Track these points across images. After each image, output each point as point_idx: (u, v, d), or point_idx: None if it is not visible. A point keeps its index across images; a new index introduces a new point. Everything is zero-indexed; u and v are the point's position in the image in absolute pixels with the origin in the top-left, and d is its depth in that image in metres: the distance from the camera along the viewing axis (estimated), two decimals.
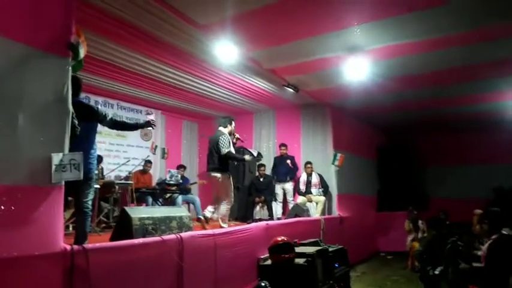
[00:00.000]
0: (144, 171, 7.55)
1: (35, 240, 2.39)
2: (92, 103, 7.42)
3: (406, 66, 6.05)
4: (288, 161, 8.05)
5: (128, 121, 4.10)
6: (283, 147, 8.20)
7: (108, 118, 3.71)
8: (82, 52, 3.01)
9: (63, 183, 2.66)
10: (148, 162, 7.60)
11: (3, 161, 2.35)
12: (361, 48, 5.31)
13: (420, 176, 10.88)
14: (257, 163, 8.37)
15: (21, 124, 2.46)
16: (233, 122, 5.69)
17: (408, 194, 9.84)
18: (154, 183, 7.75)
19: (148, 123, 4.12)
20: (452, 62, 5.85)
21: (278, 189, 8.00)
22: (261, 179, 7.89)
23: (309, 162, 7.91)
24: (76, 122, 3.15)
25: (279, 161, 8.18)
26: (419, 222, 7.88)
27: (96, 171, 6.38)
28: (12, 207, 2.32)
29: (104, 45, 5.02)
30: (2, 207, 2.26)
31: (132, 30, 4.64)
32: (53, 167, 2.55)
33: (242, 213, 7.85)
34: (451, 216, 7.45)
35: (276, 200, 7.94)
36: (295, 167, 8.12)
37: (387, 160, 10.55)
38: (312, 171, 7.83)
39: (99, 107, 3.70)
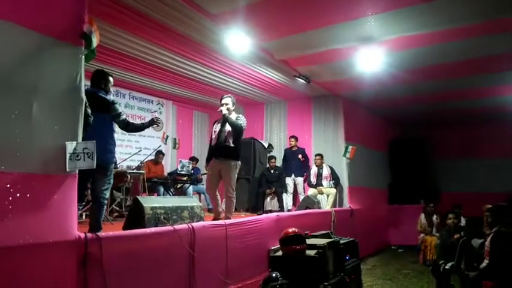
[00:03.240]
0: (157, 162, 7.59)
1: (50, 228, 2.42)
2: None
3: (421, 58, 5.93)
4: (300, 156, 8.00)
5: (136, 123, 4.12)
6: (292, 139, 8.12)
7: (121, 118, 3.70)
8: (95, 41, 3.00)
9: (76, 171, 2.68)
10: (160, 153, 7.65)
11: (19, 149, 2.37)
12: (374, 39, 5.23)
13: (432, 169, 10.75)
14: (268, 154, 8.36)
15: (35, 112, 2.47)
16: (220, 102, 5.11)
17: (420, 188, 9.77)
18: (165, 173, 7.81)
19: (152, 121, 4.07)
20: (468, 53, 5.73)
21: (289, 181, 7.98)
22: (272, 171, 7.88)
23: (318, 154, 7.85)
24: (89, 111, 3.16)
25: (290, 155, 8.12)
26: (434, 217, 7.77)
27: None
28: (28, 195, 2.34)
29: (116, 35, 5.02)
30: (18, 195, 2.29)
31: (144, 20, 4.63)
32: (67, 156, 2.57)
33: (252, 204, 7.86)
34: (465, 210, 7.35)
35: (286, 191, 7.94)
36: (306, 160, 8.08)
37: (399, 153, 10.44)
38: (321, 163, 7.78)
39: (117, 105, 3.70)
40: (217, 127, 5.04)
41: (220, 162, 4.93)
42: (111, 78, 3.84)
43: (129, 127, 3.89)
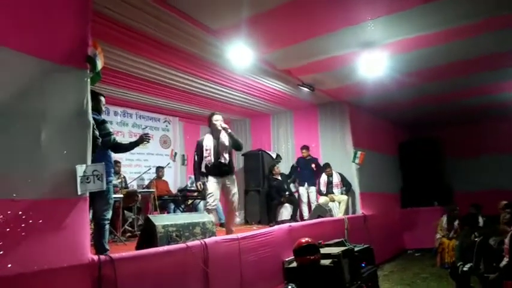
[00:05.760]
0: (159, 178, 7.60)
1: (63, 253, 2.42)
2: (111, 113, 7.57)
3: (424, 59, 5.91)
4: (313, 165, 7.97)
5: (124, 143, 4.12)
6: (304, 150, 8.07)
7: (109, 137, 3.69)
8: (99, 64, 3.04)
9: (87, 194, 2.69)
10: (160, 168, 7.66)
11: (29, 175, 2.39)
12: (376, 43, 5.23)
13: (444, 169, 10.62)
14: (276, 165, 8.33)
15: (44, 138, 2.50)
16: (211, 118, 5.15)
17: (432, 189, 9.63)
18: (172, 189, 7.82)
19: (141, 139, 4.05)
20: (473, 51, 5.70)
21: (303, 190, 7.96)
22: (280, 178, 7.89)
23: (328, 166, 7.78)
24: (97, 133, 3.18)
25: (304, 164, 8.07)
26: (456, 221, 7.59)
27: (119, 180, 6.50)
28: (40, 221, 2.35)
29: (120, 56, 5.09)
30: (30, 221, 2.30)
31: (147, 39, 4.69)
32: (78, 179, 2.59)
33: (264, 216, 7.83)
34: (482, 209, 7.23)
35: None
36: (320, 169, 8.01)
37: (409, 155, 10.35)
38: (331, 171, 7.73)
39: (107, 124, 3.72)
40: (211, 144, 4.99)
41: (225, 179, 4.97)
42: (102, 98, 3.85)
43: (117, 147, 3.89)
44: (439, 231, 7.62)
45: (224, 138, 5.03)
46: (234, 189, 5.04)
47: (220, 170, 4.96)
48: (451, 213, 7.64)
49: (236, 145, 5.12)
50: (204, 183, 5.09)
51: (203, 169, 5.07)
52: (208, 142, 5.02)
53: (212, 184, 4.94)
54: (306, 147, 8.12)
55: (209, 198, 4.94)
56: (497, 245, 4.65)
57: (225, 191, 5.02)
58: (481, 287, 4.61)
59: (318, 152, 8.45)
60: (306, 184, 7.99)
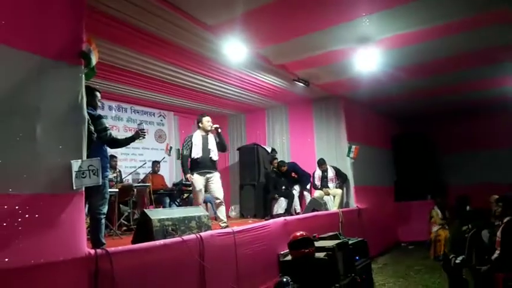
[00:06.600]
0: (155, 172, 7.61)
1: (60, 246, 2.44)
2: (106, 108, 7.54)
3: (417, 54, 5.94)
4: (293, 174, 7.85)
5: (120, 138, 4.10)
6: (283, 167, 7.81)
7: (105, 133, 3.68)
8: (94, 59, 3.04)
9: (83, 189, 2.71)
10: (156, 163, 7.67)
11: (25, 170, 2.40)
12: (371, 38, 5.25)
13: (437, 163, 10.69)
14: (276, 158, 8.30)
15: (39, 133, 2.50)
16: (202, 119, 5.42)
17: (426, 183, 9.72)
18: (167, 183, 7.82)
19: (137, 134, 4.04)
20: (466, 46, 5.73)
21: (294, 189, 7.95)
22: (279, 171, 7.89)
23: (323, 162, 7.74)
24: (92, 128, 3.19)
25: (285, 175, 7.87)
26: (446, 212, 7.71)
27: (115, 175, 6.50)
28: (36, 215, 2.37)
29: (115, 51, 5.08)
30: (27, 216, 2.32)
31: (142, 35, 4.68)
32: (73, 174, 2.60)
33: (260, 210, 7.86)
34: (472, 202, 7.28)
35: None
36: (301, 174, 7.87)
37: (403, 149, 10.41)
38: (326, 167, 7.74)
39: (103, 119, 3.71)
40: (200, 141, 5.29)
41: (210, 175, 5.25)
42: (98, 93, 3.85)
43: (114, 142, 3.90)
44: (435, 223, 7.69)
45: (212, 137, 5.41)
46: (219, 183, 5.31)
47: (207, 166, 5.24)
48: (439, 205, 7.75)
49: (221, 145, 5.43)
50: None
51: (189, 165, 5.30)
52: (197, 138, 5.30)
53: (198, 181, 5.19)
54: (283, 162, 7.89)
55: (198, 194, 5.22)
56: (489, 238, 4.71)
57: (210, 185, 5.26)
58: (472, 279, 4.68)
59: (312, 146, 8.48)
60: (297, 186, 7.89)
